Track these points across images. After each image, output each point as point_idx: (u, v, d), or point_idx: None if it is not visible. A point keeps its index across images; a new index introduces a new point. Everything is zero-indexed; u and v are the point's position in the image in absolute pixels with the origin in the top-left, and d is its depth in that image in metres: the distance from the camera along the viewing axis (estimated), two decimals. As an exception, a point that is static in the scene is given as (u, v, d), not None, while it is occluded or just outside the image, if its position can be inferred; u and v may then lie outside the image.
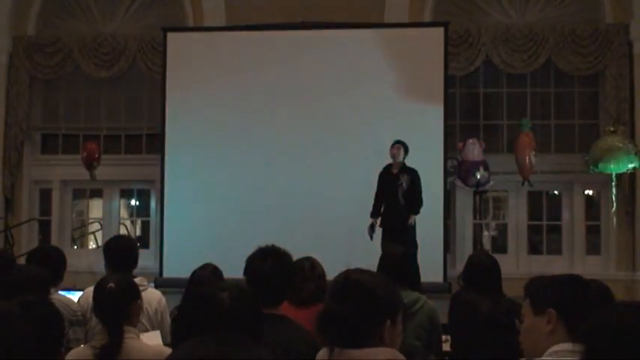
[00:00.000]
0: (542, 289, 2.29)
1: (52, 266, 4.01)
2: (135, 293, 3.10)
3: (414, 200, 7.72)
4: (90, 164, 9.26)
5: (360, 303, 2.08)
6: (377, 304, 2.11)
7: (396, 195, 7.70)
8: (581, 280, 2.36)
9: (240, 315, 1.96)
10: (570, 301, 2.25)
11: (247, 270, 2.90)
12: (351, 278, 2.15)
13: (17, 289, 3.17)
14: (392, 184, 7.75)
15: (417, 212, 7.72)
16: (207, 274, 3.92)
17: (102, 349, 2.86)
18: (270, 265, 2.85)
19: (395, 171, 7.79)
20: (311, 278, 3.87)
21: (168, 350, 2.97)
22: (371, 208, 7.89)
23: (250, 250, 2.95)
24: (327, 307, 2.14)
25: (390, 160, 7.85)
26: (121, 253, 4.08)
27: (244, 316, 1.97)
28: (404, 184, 7.69)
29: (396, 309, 2.16)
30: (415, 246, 7.55)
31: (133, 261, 4.10)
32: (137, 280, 3.84)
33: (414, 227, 7.68)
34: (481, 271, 4.29)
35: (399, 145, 7.79)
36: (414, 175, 7.74)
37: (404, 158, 7.79)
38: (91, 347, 2.91)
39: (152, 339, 3.32)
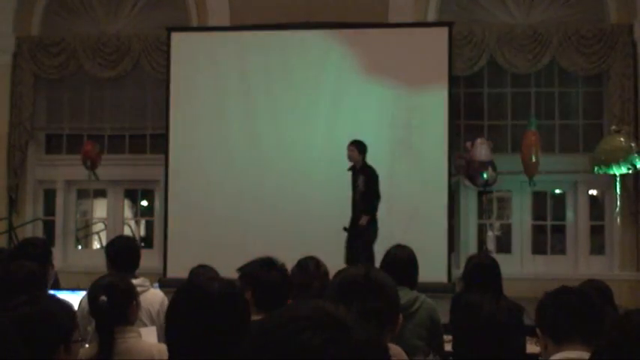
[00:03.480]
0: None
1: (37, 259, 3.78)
2: (130, 295, 3.05)
3: (367, 201, 7.58)
4: (85, 164, 9.26)
5: (382, 296, 2.13)
6: (395, 300, 2.19)
7: (355, 195, 7.63)
8: (554, 295, 2.60)
9: (229, 303, 1.98)
10: (545, 317, 2.57)
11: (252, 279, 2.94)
12: (371, 275, 2.17)
13: (14, 287, 3.10)
14: (353, 184, 7.69)
15: (368, 213, 7.55)
16: (206, 271, 3.91)
17: None
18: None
19: (357, 171, 7.72)
20: (316, 277, 3.86)
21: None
22: None
23: (251, 250, 2.95)
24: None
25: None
26: (122, 253, 4.07)
27: (234, 304, 1.99)
28: (360, 185, 7.59)
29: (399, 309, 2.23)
30: (372, 242, 7.41)
31: (135, 262, 4.08)
32: (139, 280, 3.85)
33: (371, 227, 7.51)
34: (481, 272, 4.28)
35: (352, 147, 7.67)
36: (368, 175, 7.60)
37: (363, 158, 7.65)
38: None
39: (148, 335, 3.31)
